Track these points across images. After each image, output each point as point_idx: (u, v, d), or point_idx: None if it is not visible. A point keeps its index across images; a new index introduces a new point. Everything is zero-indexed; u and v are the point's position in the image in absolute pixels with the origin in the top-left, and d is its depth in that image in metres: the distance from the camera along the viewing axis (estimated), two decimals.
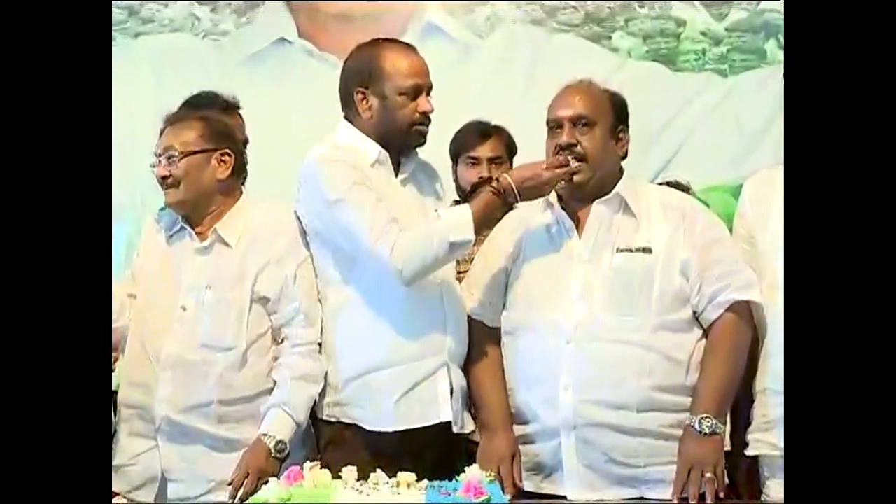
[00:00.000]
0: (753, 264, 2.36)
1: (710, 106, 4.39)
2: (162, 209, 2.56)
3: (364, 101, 2.46)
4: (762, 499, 2.34)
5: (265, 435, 2.34)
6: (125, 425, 2.45)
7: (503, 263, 2.45)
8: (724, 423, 2.27)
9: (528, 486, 2.34)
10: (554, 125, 2.39)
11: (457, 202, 2.90)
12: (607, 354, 2.28)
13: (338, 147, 2.46)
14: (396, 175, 2.50)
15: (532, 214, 2.45)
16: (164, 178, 2.45)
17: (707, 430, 2.23)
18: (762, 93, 4.27)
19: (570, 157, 2.34)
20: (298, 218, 2.48)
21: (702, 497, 2.20)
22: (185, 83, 4.09)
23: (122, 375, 2.50)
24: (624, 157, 2.44)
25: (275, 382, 2.41)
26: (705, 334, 2.34)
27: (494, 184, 2.36)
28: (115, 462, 2.41)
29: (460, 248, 2.34)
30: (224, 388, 2.39)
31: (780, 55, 4.28)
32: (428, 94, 2.47)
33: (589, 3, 4.44)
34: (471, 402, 2.47)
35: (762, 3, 4.41)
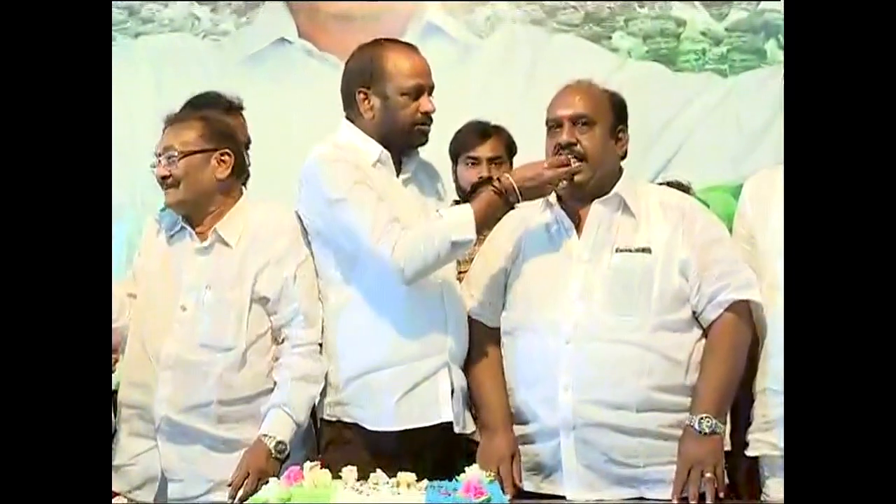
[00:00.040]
0: (753, 264, 2.36)
1: (710, 106, 4.39)
2: (163, 209, 2.56)
3: (366, 101, 2.46)
4: (762, 499, 2.34)
5: (265, 435, 2.34)
6: (125, 425, 2.45)
7: (502, 263, 2.45)
8: (724, 423, 2.27)
9: (527, 486, 2.34)
10: (553, 125, 2.39)
11: (457, 202, 2.90)
12: (607, 354, 2.28)
13: (339, 147, 2.46)
14: (398, 175, 2.50)
15: (531, 214, 2.45)
16: (163, 178, 2.45)
17: (707, 430, 2.23)
18: (762, 93, 4.28)
19: (570, 157, 2.34)
20: (300, 218, 2.48)
21: (702, 497, 2.20)
22: (185, 83, 4.10)
23: (122, 375, 2.50)
24: (623, 156, 2.45)
25: (275, 383, 2.41)
26: (705, 334, 2.34)
27: (496, 183, 2.36)
28: (115, 462, 2.41)
29: (462, 248, 2.34)
30: (224, 388, 2.39)
31: (780, 55, 4.28)
32: (430, 94, 2.47)
33: (589, 3, 4.44)
34: (471, 402, 2.47)
35: (762, 3, 4.41)
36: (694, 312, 2.33)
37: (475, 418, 2.48)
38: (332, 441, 2.43)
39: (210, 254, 2.46)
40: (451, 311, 2.44)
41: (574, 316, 2.31)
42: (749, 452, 2.34)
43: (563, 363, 2.29)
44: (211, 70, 4.39)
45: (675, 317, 2.31)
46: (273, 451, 2.32)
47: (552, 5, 4.44)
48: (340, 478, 1.97)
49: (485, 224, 2.37)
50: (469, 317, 2.47)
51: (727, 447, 2.29)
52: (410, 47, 2.53)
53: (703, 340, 2.33)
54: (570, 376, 2.28)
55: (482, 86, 4.30)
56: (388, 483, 1.96)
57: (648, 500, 2.28)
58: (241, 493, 2.26)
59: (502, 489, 2.14)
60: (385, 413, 2.38)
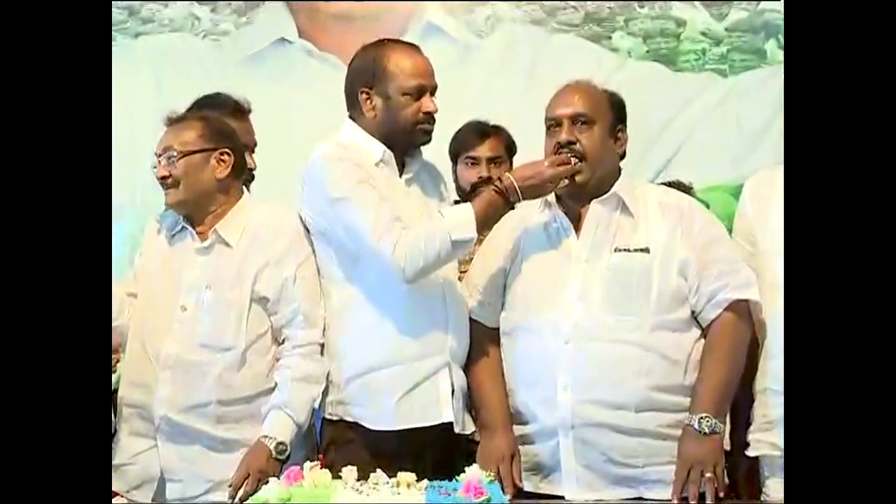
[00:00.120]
0: (753, 264, 2.36)
1: (710, 106, 4.39)
2: (166, 210, 2.56)
3: (368, 101, 2.46)
4: (762, 499, 2.34)
5: (266, 436, 2.34)
6: (125, 424, 2.45)
7: (502, 263, 2.45)
8: (724, 423, 2.27)
9: (526, 486, 2.34)
10: (553, 124, 2.39)
11: (457, 202, 2.90)
12: (606, 354, 2.28)
13: (342, 146, 2.46)
14: (401, 175, 2.50)
15: (530, 214, 2.45)
16: (163, 178, 2.45)
17: (707, 430, 2.23)
18: (762, 93, 4.28)
19: (569, 156, 2.34)
20: (302, 217, 2.48)
21: (702, 497, 2.20)
22: (185, 83, 4.13)
23: (123, 374, 2.50)
24: (622, 156, 2.45)
25: (275, 383, 2.41)
26: (704, 334, 2.34)
27: (497, 183, 2.36)
28: (114, 461, 2.41)
29: (463, 247, 2.34)
30: (223, 388, 2.39)
31: (780, 55, 4.28)
32: (432, 94, 2.47)
33: (589, 3, 4.44)
34: (470, 402, 2.47)
35: (762, 3, 4.41)
36: (693, 312, 2.33)
37: (475, 418, 2.48)
38: (333, 440, 2.43)
39: (210, 254, 2.46)
40: (453, 311, 2.44)
41: (573, 316, 2.31)
42: (749, 452, 2.34)
43: (562, 363, 2.29)
44: (211, 70, 4.39)
45: (674, 316, 2.31)
46: (273, 452, 2.32)
47: (552, 5, 4.44)
48: (340, 478, 1.97)
49: (485, 223, 2.37)
50: (469, 317, 2.47)
51: (727, 447, 2.29)
52: (413, 48, 2.53)
53: (702, 340, 2.33)
54: (569, 376, 2.28)
55: (482, 86, 4.30)
56: (388, 483, 1.96)
57: (647, 500, 2.28)
58: (241, 493, 2.26)
59: (502, 489, 2.14)
60: (385, 413, 2.38)
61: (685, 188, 3.15)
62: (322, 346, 2.45)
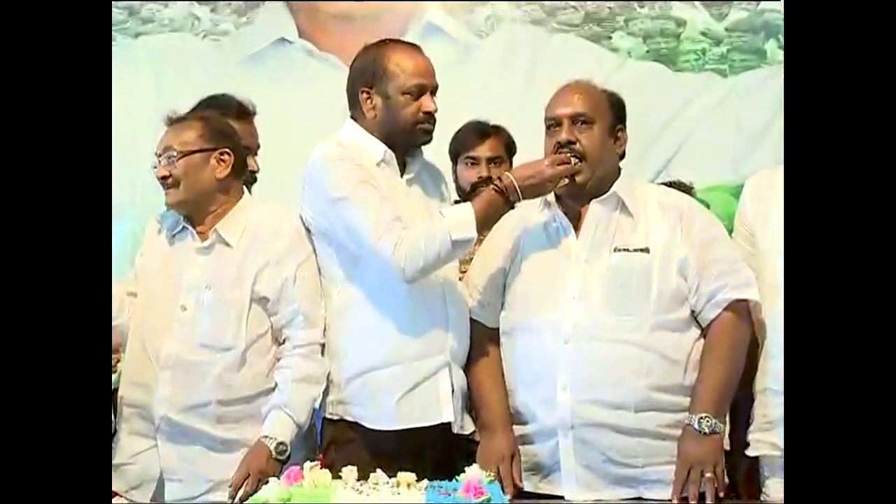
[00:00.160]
0: (753, 264, 2.36)
1: (710, 106, 4.39)
2: (166, 210, 2.56)
3: (369, 101, 2.46)
4: (762, 499, 2.34)
5: (266, 437, 2.34)
6: (126, 424, 2.45)
7: (501, 263, 2.45)
8: (724, 423, 2.27)
9: (526, 486, 2.34)
10: (552, 123, 2.39)
11: (457, 202, 2.90)
12: (605, 354, 2.28)
13: (343, 146, 2.46)
14: (402, 175, 2.50)
15: (530, 214, 2.45)
16: (163, 178, 2.45)
17: (707, 430, 2.23)
18: (762, 93, 4.28)
19: (569, 155, 2.34)
20: (302, 217, 2.48)
21: (702, 497, 2.20)
22: (185, 83, 4.14)
23: (123, 374, 2.50)
24: (622, 156, 2.45)
25: (275, 383, 2.41)
26: (703, 334, 2.34)
27: (497, 182, 2.36)
28: (114, 461, 2.41)
29: (463, 247, 2.34)
30: (223, 388, 2.39)
31: (780, 55, 4.28)
32: (433, 94, 2.47)
33: (589, 3, 4.44)
34: (470, 402, 2.47)
35: (762, 3, 4.41)
36: (693, 312, 2.33)
37: (475, 418, 2.48)
38: (334, 440, 2.43)
39: (210, 254, 2.46)
40: (453, 311, 2.44)
41: (573, 316, 2.31)
42: (749, 452, 2.34)
43: (561, 363, 2.29)
44: (211, 70, 4.39)
45: (673, 316, 2.31)
46: (274, 453, 2.32)
47: (552, 5, 4.44)
48: (340, 478, 1.98)
49: (486, 223, 2.37)
50: (469, 317, 2.47)
51: (727, 447, 2.29)
52: (414, 47, 2.54)
53: (702, 340, 2.33)
54: (569, 376, 2.28)
55: (482, 86, 4.30)
56: (388, 483, 1.96)
57: (647, 500, 2.28)
58: (241, 493, 2.26)
59: (502, 489, 2.14)
60: (385, 412, 2.38)
61: (685, 188, 3.15)
62: (322, 346, 2.45)
